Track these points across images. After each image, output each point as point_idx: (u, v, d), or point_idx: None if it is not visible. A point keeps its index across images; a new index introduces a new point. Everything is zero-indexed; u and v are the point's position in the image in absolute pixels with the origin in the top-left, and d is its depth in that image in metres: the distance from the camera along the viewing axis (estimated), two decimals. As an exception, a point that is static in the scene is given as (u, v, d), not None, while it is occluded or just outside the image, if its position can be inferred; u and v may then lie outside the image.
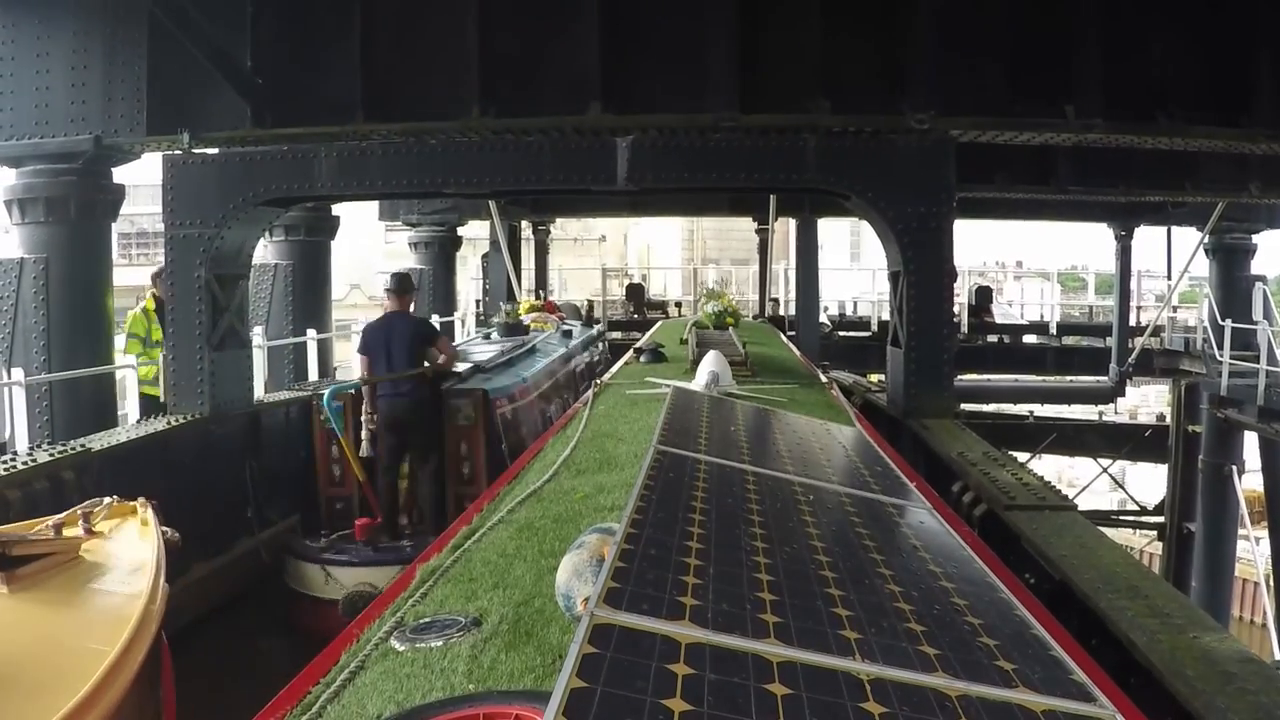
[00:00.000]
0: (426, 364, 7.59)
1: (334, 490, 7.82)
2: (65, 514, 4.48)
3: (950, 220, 7.35)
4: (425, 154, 8.19)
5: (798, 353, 12.76)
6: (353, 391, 7.66)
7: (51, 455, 6.00)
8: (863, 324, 20.51)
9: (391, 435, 7.48)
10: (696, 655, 1.67)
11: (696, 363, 8.10)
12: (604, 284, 23.98)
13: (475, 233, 19.64)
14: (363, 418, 7.57)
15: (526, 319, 14.10)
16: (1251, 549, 15.76)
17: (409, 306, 7.96)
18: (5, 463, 5.79)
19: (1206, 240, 16.12)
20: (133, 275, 16.06)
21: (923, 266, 7.30)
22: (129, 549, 4.46)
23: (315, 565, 7.22)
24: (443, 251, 17.65)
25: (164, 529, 4.67)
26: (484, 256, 19.20)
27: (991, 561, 3.04)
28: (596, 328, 16.00)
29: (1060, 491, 4.92)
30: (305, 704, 2.25)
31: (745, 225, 23.26)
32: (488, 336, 13.38)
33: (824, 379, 9.02)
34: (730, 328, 13.54)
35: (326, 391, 7.46)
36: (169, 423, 7.46)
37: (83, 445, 6.39)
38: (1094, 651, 2.84)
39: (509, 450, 7.70)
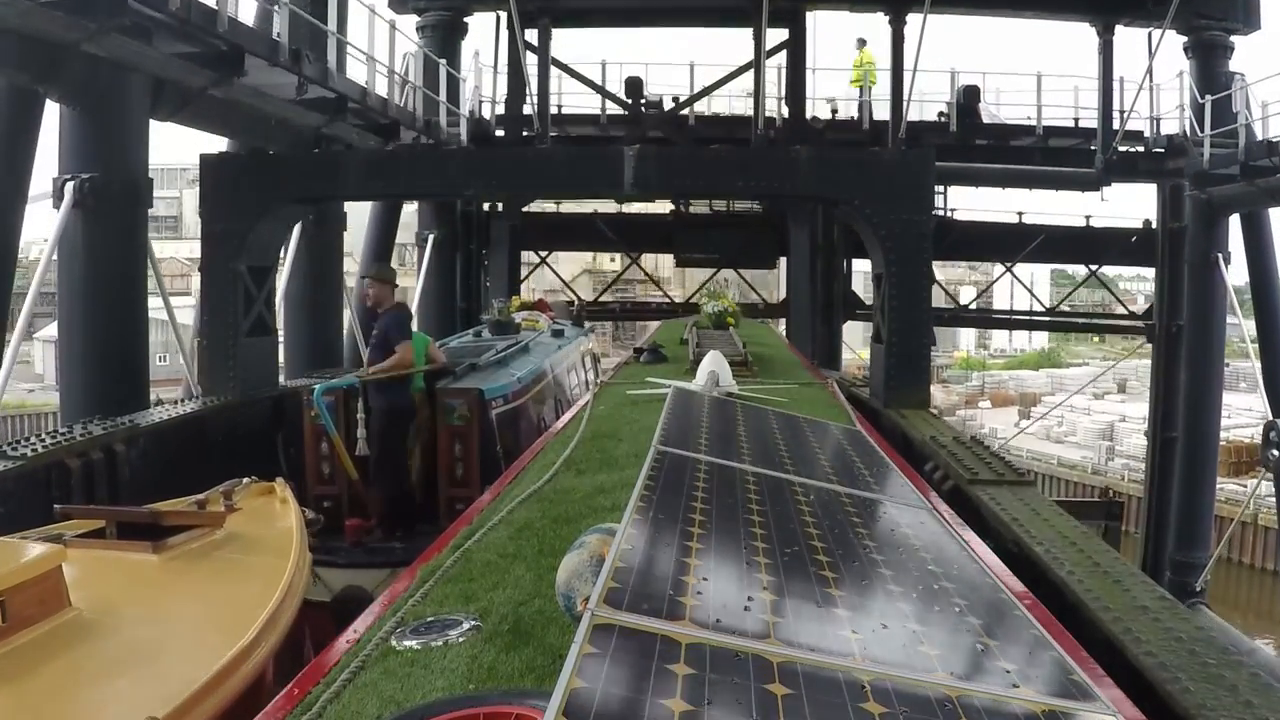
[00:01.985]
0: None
1: (322, 489, 7.77)
2: (208, 492, 4.88)
3: (929, 228, 7.80)
4: (447, 159, 8.96)
5: (799, 355, 12.75)
6: (345, 388, 7.61)
7: (104, 429, 6.46)
8: (854, 125, 19.64)
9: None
10: (696, 655, 1.67)
11: (696, 363, 8.11)
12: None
13: (480, 23, 19.05)
14: (359, 415, 7.47)
15: (517, 317, 14.00)
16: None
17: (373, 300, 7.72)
18: (65, 435, 6.22)
19: (1186, 38, 16.42)
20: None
21: (903, 270, 7.63)
22: (270, 523, 4.85)
23: None
24: (448, 35, 17.49)
25: (302, 509, 5.08)
26: (485, 253, 19.14)
27: (992, 562, 3.04)
28: (587, 326, 15.94)
29: (1016, 468, 5.39)
30: (305, 704, 2.25)
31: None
32: (478, 334, 13.28)
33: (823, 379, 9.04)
34: (730, 328, 13.54)
35: (317, 387, 7.43)
36: (203, 404, 7.89)
37: (130, 421, 6.88)
38: (1041, 596, 3.10)
39: (504, 452, 7.64)
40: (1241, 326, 16.66)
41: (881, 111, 18.25)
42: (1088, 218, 19.38)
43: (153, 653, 3.29)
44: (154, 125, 9.06)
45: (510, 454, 7.20)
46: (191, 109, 9.19)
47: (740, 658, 1.71)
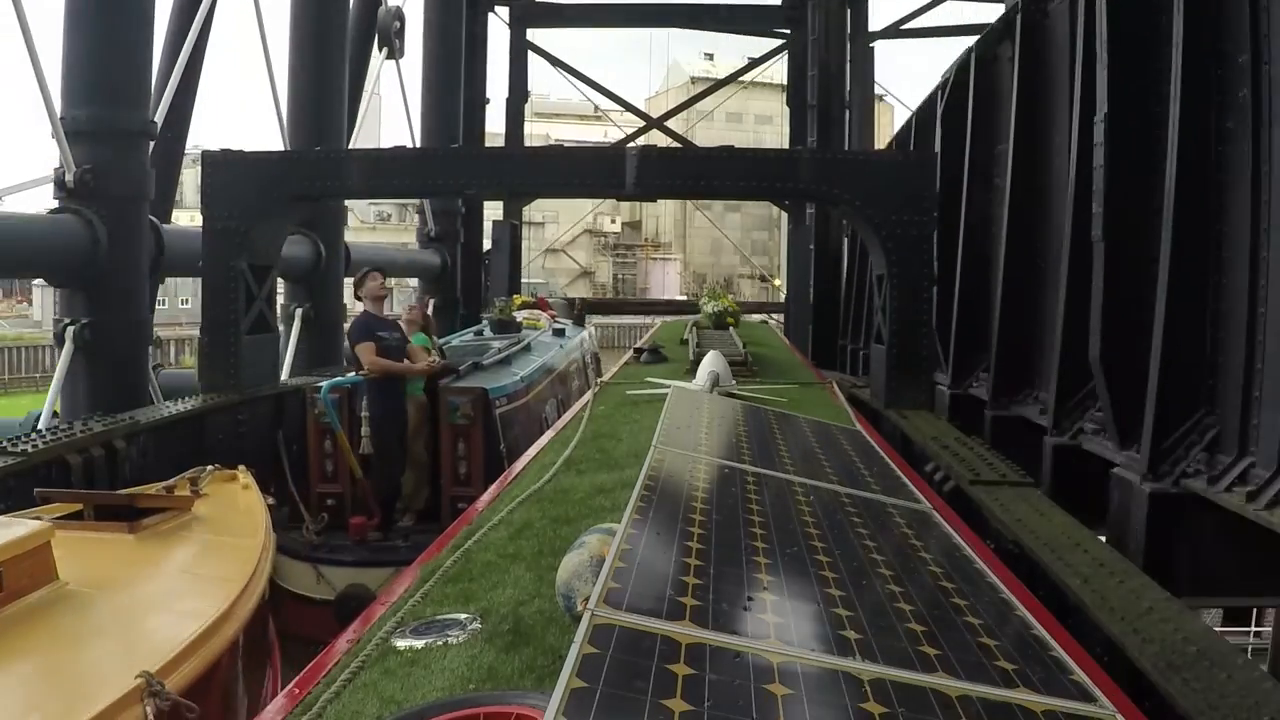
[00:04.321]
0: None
1: (325, 486, 7.77)
2: (175, 479, 5.13)
3: (931, 230, 7.68)
4: (451, 159, 8.94)
5: (799, 354, 12.76)
6: (349, 386, 7.62)
7: (105, 425, 6.46)
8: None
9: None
10: (696, 655, 1.67)
11: (696, 363, 8.12)
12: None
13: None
14: (363, 414, 7.47)
15: (519, 315, 14.04)
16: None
17: (370, 296, 7.61)
18: (67, 431, 6.23)
19: None
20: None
21: (905, 271, 7.62)
22: (235, 506, 5.14)
23: (306, 564, 7.12)
24: None
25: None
26: (486, 253, 19.20)
27: (992, 562, 3.04)
28: (588, 328, 15.97)
29: (1019, 469, 5.37)
30: (305, 704, 2.25)
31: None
32: (479, 333, 13.30)
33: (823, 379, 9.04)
34: (730, 328, 13.56)
35: (324, 384, 7.45)
36: (204, 401, 7.83)
37: (131, 417, 6.89)
38: (1041, 596, 3.11)
39: (507, 451, 7.65)
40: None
41: None
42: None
43: (138, 619, 3.53)
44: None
45: (513, 453, 7.22)
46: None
47: (740, 658, 1.71)
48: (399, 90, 16.22)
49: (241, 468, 5.73)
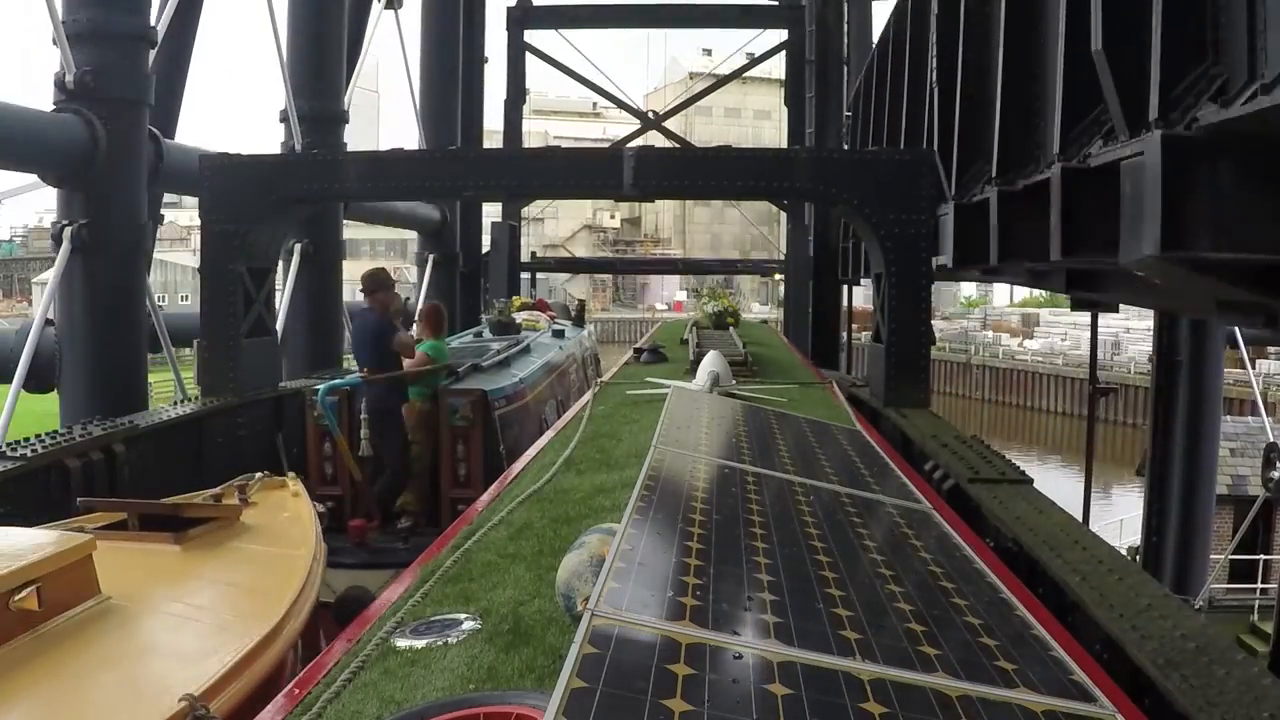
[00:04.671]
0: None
1: (325, 489, 7.78)
2: (222, 487, 5.04)
3: (928, 228, 7.70)
4: (449, 161, 9.06)
5: (798, 354, 12.77)
6: (348, 388, 7.64)
7: (105, 429, 6.40)
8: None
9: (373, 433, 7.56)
10: (696, 655, 1.67)
11: (696, 363, 8.13)
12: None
13: None
14: (362, 416, 7.50)
15: (518, 317, 14.04)
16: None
17: (381, 304, 7.95)
18: (65, 434, 6.16)
19: None
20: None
21: (903, 270, 7.60)
22: (284, 516, 4.99)
23: None
24: None
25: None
26: (485, 254, 19.21)
27: (992, 562, 3.04)
28: (588, 328, 15.95)
29: (1018, 468, 5.36)
30: (305, 704, 2.25)
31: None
32: (479, 335, 13.31)
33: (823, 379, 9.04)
34: (730, 327, 13.58)
35: (321, 387, 7.46)
36: (203, 404, 7.80)
37: (130, 421, 6.81)
38: (1041, 595, 3.07)
39: (506, 453, 7.66)
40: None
41: None
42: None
43: (182, 636, 3.40)
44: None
45: (513, 454, 7.22)
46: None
47: (740, 658, 1.71)
48: (398, 44, 16.20)
49: (291, 474, 5.57)
